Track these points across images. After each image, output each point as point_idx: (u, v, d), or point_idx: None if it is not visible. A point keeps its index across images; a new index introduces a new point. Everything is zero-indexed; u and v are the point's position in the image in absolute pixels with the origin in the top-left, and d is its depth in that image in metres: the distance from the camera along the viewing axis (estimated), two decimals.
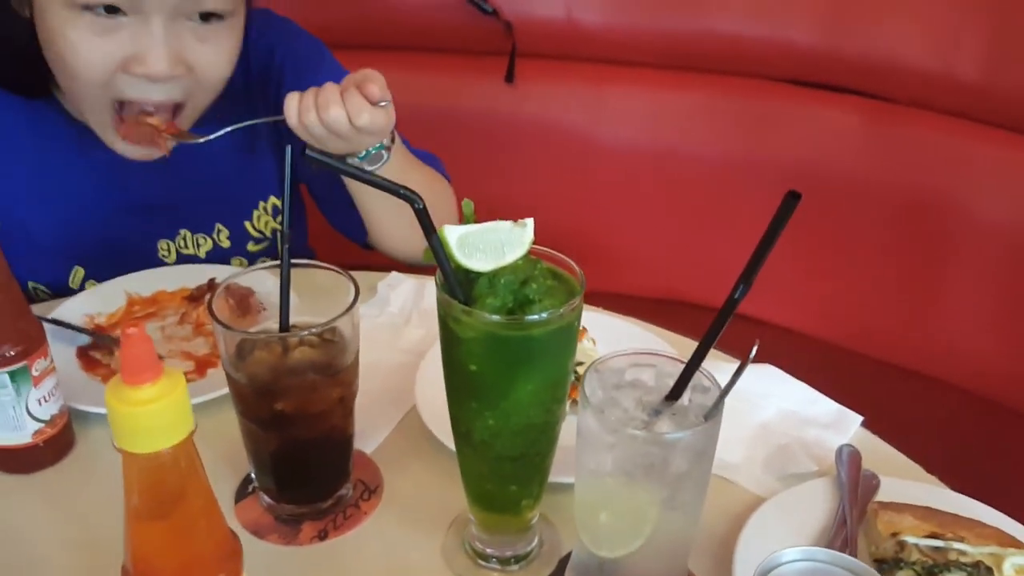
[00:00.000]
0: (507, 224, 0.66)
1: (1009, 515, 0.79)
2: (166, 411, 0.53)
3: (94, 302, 1.02)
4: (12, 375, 0.78)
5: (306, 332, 0.72)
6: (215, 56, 0.97)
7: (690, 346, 0.64)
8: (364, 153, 1.01)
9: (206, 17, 0.95)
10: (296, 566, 0.77)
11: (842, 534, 0.77)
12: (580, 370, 0.75)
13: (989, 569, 0.72)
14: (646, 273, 1.77)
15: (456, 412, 0.70)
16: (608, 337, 0.97)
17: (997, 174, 1.43)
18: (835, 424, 0.92)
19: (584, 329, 0.95)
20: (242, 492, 0.83)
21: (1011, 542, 0.74)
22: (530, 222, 0.67)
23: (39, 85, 1.03)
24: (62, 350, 0.94)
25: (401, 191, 0.60)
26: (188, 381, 0.58)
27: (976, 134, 1.43)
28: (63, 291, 1.11)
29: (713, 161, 1.59)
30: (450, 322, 0.65)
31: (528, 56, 1.70)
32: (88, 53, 0.92)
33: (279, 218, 1.18)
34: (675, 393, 0.65)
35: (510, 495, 0.73)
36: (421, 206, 0.61)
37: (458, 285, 0.64)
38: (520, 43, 1.68)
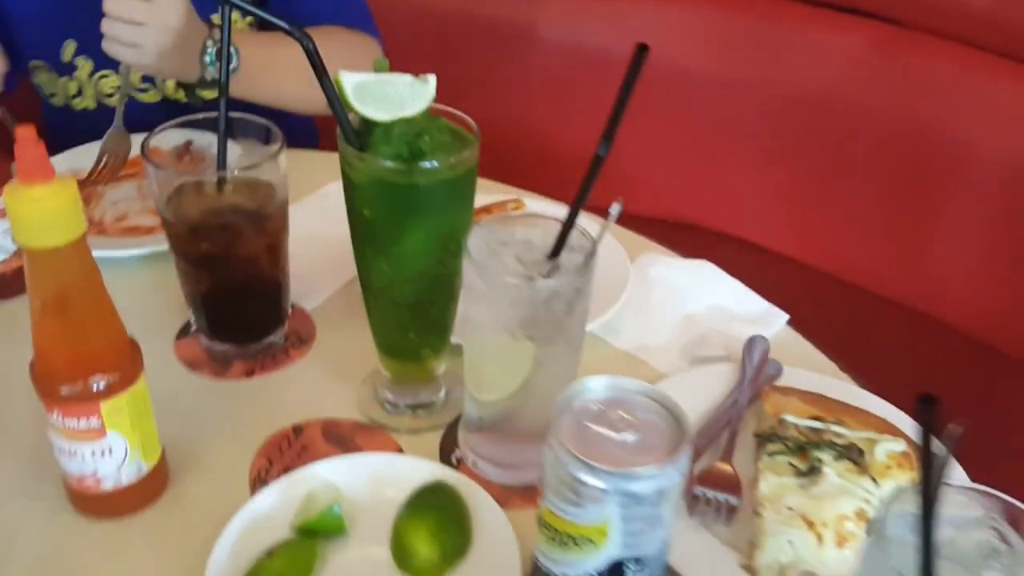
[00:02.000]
0: (408, 77, 0.70)
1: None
2: (58, 210, 0.59)
3: (79, 158, 1.09)
4: None
5: (227, 172, 0.77)
6: None
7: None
8: (209, 60, 1.04)
9: None
10: (223, 398, 0.84)
11: (729, 412, 0.80)
12: None
13: (861, 451, 0.74)
14: (651, 194, 1.78)
15: (358, 259, 0.75)
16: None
17: (1003, 107, 1.40)
18: (761, 320, 0.94)
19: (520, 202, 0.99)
20: (183, 332, 0.90)
21: (889, 429, 0.76)
22: (432, 78, 0.70)
23: None
24: None
25: (289, 29, 0.64)
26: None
27: (984, 64, 1.39)
28: (60, 68, 1.20)
29: (718, 79, 1.58)
30: (346, 167, 0.69)
31: None
32: None
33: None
34: (555, 252, 0.68)
35: (410, 343, 0.78)
36: (311, 46, 0.64)
37: (354, 132, 0.68)
38: None
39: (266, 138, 0.81)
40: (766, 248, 1.61)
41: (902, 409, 0.80)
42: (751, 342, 0.87)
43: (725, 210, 1.68)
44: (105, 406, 0.65)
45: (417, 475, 0.70)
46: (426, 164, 0.66)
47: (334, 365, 0.87)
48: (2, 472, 0.75)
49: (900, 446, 0.75)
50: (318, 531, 0.67)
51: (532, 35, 1.70)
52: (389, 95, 0.68)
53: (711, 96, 1.60)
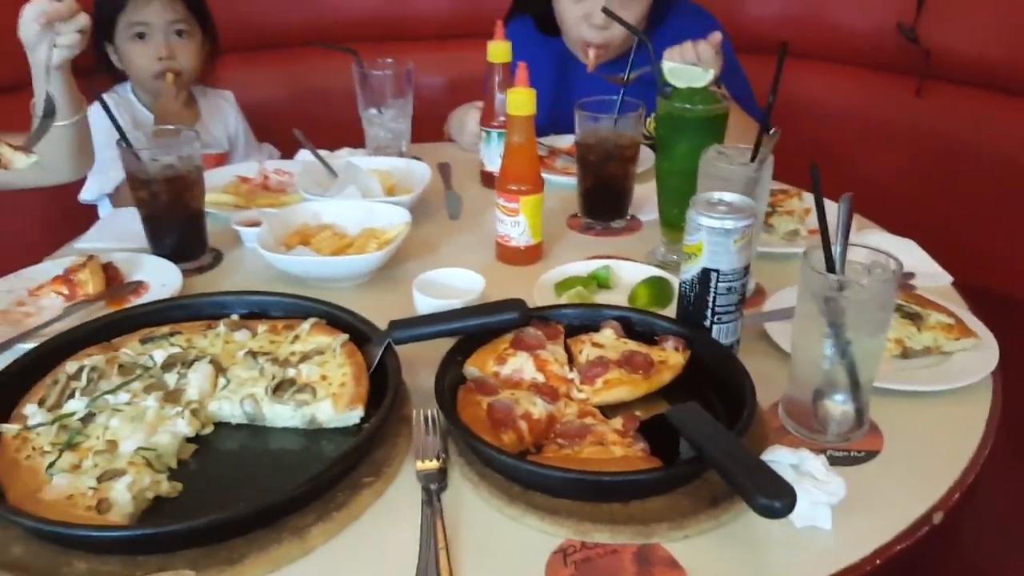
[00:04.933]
0: (700, 69, 1.36)
1: None
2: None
3: None
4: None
5: None
6: (628, 16, 1.81)
7: None
8: None
9: None
10: None
11: None
12: None
13: (920, 317, 1.18)
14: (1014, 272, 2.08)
15: (657, 162, 1.42)
16: None
17: None
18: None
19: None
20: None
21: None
22: (712, 71, 1.35)
23: (551, 28, 1.99)
24: None
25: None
26: None
27: None
28: None
29: None
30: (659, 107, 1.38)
31: (936, 79, 2.19)
32: (567, 12, 1.84)
33: None
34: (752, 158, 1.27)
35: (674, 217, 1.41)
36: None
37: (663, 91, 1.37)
38: (934, 67, 2.17)
39: None
40: None
41: None
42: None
43: None
44: (521, 199, 1.40)
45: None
46: (688, 107, 1.32)
47: None
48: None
49: (948, 320, 1.17)
50: None
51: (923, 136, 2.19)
52: (687, 75, 1.35)
53: None
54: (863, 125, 2.34)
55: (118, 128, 1.37)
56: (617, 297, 1.32)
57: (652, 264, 1.41)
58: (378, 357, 1.05)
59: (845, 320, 0.95)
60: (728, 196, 1.13)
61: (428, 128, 2.03)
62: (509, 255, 1.45)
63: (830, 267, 0.97)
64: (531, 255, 1.45)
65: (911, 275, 1.33)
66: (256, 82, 2.37)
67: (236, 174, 1.77)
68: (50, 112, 1.30)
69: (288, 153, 1.90)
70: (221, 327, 1.13)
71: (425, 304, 1.22)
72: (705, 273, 1.11)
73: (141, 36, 1.91)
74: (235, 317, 1.17)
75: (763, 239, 1.46)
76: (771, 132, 1.22)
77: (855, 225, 1.53)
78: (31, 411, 0.98)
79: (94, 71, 1.97)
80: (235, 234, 1.51)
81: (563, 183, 1.69)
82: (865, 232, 1.50)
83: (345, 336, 1.09)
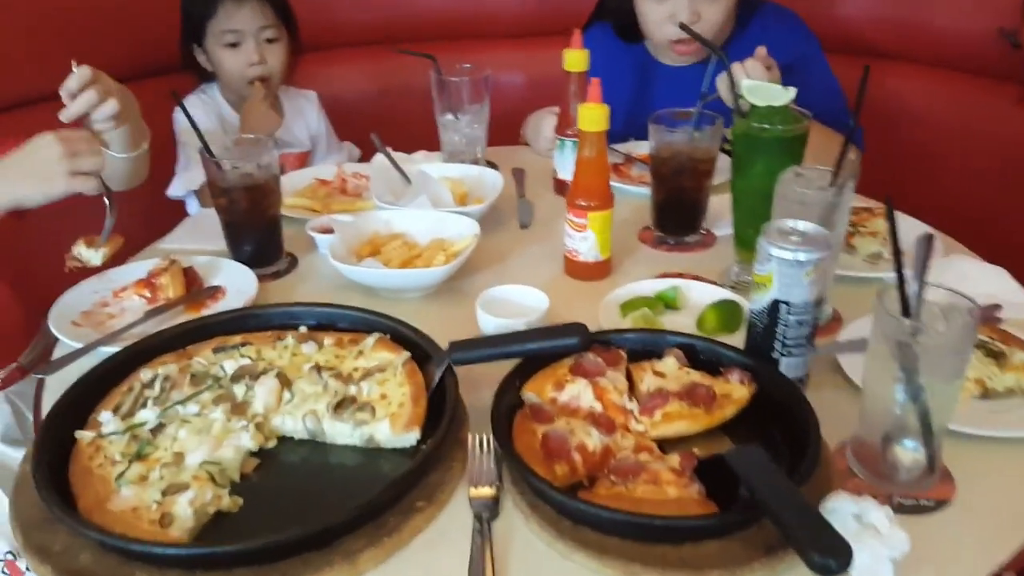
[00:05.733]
0: (779, 87, 1.31)
1: None
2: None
3: None
4: None
5: None
6: (716, 15, 1.77)
7: None
8: None
9: None
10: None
11: None
12: None
13: (1004, 355, 1.12)
14: None
15: (733, 179, 1.38)
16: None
17: None
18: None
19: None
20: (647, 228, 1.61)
21: None
22: (793, 90, 1.31)
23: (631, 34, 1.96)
24: None
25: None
26: None
27: None
28: None
29: None
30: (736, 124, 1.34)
31: None
32: (650, 14, 1.81)
33: None
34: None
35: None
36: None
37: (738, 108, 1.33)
38: None
39: None
40: None
41: None
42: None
43: None
44: (590, 215, 1.39)
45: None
46: (767, 127, 1.28)
47: None
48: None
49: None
50: None
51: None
52: (766, 93, 1.31)
53: None
54: (959, 133, 2.23)
55: (200, 136, 1.41)
56: (684, 320, 1.29)
57: (726, 284, 1.38)
58: (438, 378, 1.06)
59: (919, 365, 0.91)
60: (802, 225, 1.09)
61: (506, 128, 2.03)
62: (577, 270, 1.44)
63: (905, 310, 0.93)
64: (600, 271, 1.44)
65: (997, 307, 1.26)
66: (338, 80, 2.40)
67: (315, 176, 1.80)
68: (112, 208, 1.32)
69: (368, 153, 1.93)
70: (290, 339, 1.16)
71: (488, 323, 1.22)
72: (775, 305, 1.08)
73: (233, 45, 1.94)
74: (303, 329, 1.19)
75: (843, 260, 1.41)
76: (852, 155, 1.17)
77: (943, 247, 1.47)
78: (106, 418, 1.02)
79: (182, 69, 2.03)
80: (311, 239, 1.54)
81: (637, 193, 1.67)
82: (953, 257, 1.44)
83: (407, 354, 1.10)
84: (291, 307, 1.23)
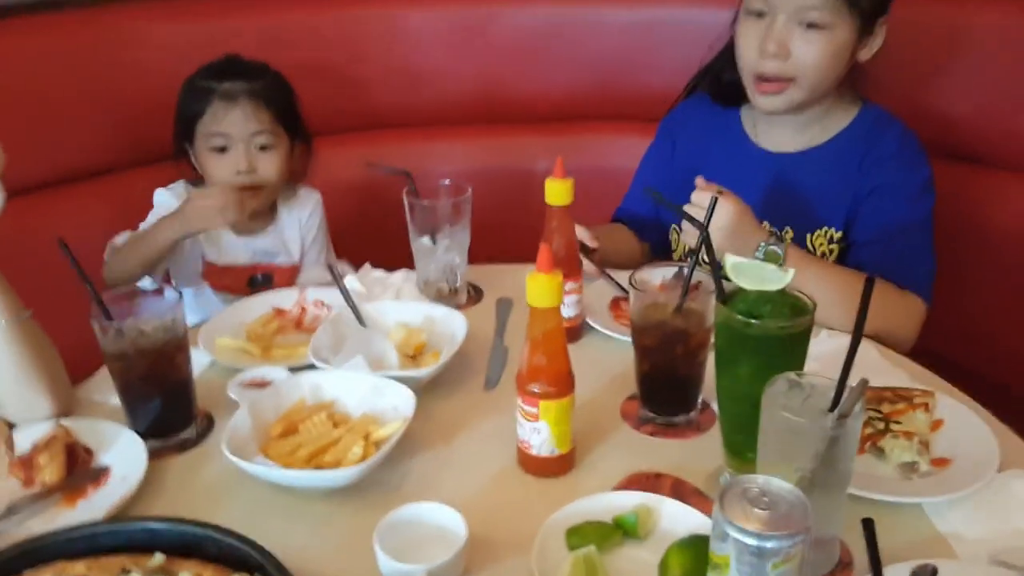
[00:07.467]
0: (774, 266, 1.03)
1: None
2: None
3: None
4: None
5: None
6: (808, 56, 1.48)
7: None
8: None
9: (811, 25, 1.47)
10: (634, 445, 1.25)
11: None
12: None
13: None
14: None
15: (716, 373, 1.10)
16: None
17: None
18: None
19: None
20: (631, 398, 1.34)
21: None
22: (792, 272, 1.02)
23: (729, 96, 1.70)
24: None
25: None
26: None
27: None
28: None
29: None
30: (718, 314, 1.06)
31: None
32: (745, 36, 1.54)
33: None
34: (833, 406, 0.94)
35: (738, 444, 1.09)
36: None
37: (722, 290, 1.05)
38: None
39: None
40: None
41: None
42: None
43: None
44: (542, 403, 1.13)
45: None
46: (754, 321, 0.99)
47: None
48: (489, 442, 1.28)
49: None
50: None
51: None
52: (757, 274, 1.03)
53: None
54: None
55: (88, 284, 1.20)
56: (646, 555, 1.02)
57: (714, 495, 1.10)
58: None
59: None
60: (776, 488, 0.82)
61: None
62: (530, 464, 1.19)
63: None
64: (557, 466, 1.18)
65: None
66: (335, 167, 2.18)
67: (274, 305, 1.60)
68: None
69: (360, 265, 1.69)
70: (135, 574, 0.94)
71: (386, 566, 0.97)
72: None
73: (222, 149, 1.74)
74: (159, 557, 0.97)
75: (867, 469, 1.12)
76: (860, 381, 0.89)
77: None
78: None
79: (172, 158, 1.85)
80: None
81: None
82: (1010, 473, 1.11)
83: None
84: (149, 522, 1.02)
